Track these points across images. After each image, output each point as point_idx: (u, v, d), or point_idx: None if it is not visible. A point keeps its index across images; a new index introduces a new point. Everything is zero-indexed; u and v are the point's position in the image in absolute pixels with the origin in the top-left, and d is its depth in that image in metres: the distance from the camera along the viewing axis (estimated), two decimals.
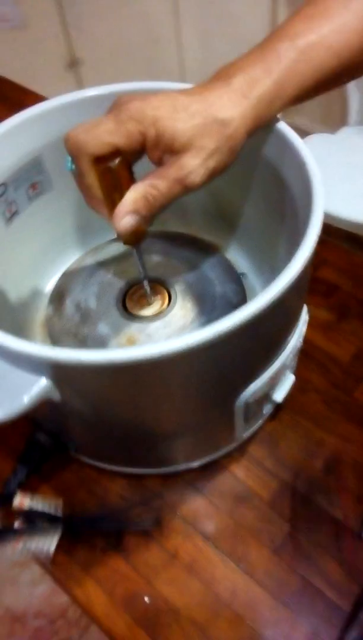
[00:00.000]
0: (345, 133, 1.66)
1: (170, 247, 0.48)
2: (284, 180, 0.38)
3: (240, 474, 0.45)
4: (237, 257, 0.50)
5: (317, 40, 0.34)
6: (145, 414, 0.35)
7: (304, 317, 0.41)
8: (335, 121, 1.74)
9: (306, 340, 0.52)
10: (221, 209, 0.49)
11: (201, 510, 0.44)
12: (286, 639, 0.38)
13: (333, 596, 0.39)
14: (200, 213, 0.50)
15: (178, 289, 0.44)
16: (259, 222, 0.46)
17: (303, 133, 1.57)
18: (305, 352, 0.52)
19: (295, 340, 0.39)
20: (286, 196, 0.38)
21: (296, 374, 0.48)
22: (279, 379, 0.41)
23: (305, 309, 0.41)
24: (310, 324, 0.54)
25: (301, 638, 0.38)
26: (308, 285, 0.39)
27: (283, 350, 0.38)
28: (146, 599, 0.40)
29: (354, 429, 0.47)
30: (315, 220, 0.32)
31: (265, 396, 0.40)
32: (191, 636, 0.38)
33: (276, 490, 0.44)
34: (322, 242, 0.62)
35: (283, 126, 0.37)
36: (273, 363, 0.37)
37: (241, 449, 0.46)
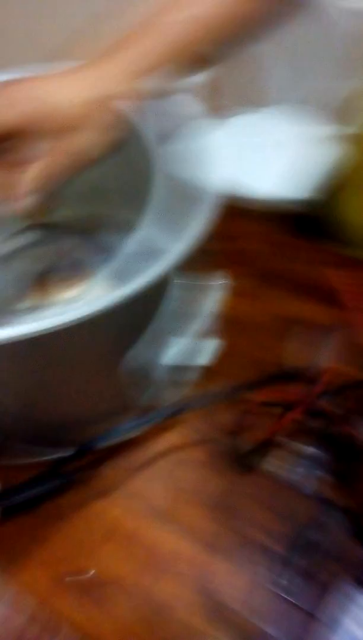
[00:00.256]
0: (265, 113, 1.70)
1: (86, 228, 0.48)
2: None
3: (173, 438, 0.46)
4: (155, 232, 0.51)
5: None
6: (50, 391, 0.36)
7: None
8: (256, 102, 1.78)
9: (228, 307, 0.54)
10: (133, 185, 0.50)
11: (138, 479, 0.45)
12: (230, 588, 0.40)
13: (269, 543, 0.41)
14: (114, 191, 0.51)
15: (96, 270, 0.45)
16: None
17: (224, 114, 1.60)
18: (230, 319, 0.53)
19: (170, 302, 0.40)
20: None
21: (222, 338, 0.50)
22: (187, 352, 0.42)
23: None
24: (231, 292, 0.56)
25: (243, 586, 0.40)
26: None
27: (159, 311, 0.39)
28: (90, 573, 0.41)
29: (281, 386, 0.49)
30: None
31: (176, 369, 0.42)
32: (137, 600, 0.40)
33: (209, 450, 0.46)
34: (241, 215, 0.64)
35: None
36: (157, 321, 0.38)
37: (175, 417, 0.47)
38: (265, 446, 0.45)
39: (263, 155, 1.54)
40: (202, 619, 0.39)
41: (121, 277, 0.30)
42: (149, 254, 0.31)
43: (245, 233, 0.61)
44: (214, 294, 0.42)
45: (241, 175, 1.50)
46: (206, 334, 0.44)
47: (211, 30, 0.36)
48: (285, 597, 0.39)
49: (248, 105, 1.79)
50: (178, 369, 0.43)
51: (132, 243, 0.32)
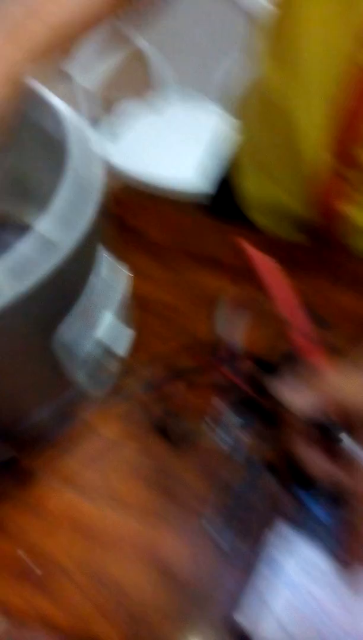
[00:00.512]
0: (153, 98, 1.75)
1: None
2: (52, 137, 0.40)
3: (101, 424, 0.48)
4: (52, 226, 0.52)
5: None
6: None
7: (104, 259, 0.44)
8: (143, 88, 1.81)
9: (141, 293, 0.56)
10: (18, 180, 0.51)
11: (70, 468, 0.46)
12: (175, 556, 0.42)
13: (207, 509, 0.43)
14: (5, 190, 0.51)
15: None
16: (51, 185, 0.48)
17: (115, 105, 1.62)
18: (142, 303, 0.55)
19: (99, 279, 0.41)
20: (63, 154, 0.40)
21: (135, 325, 0.51)
22: (99, 324, 0.43)
23: (102, 253, 0.44)
24: (142, 278, 0.58)
25: (187, 552, 0.42)
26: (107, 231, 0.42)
27: (86, 289, 0.40)
28: (33, 568, 0.41)
29: (202, 362, 0.51)
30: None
31: (101, 350, 0.43)
32: (83, 583, 0.41)
33: (139, 433, 0.47)
34: (144, 205, 0.66)
35: (38, 87, 0.39)
36: (79, 300, 0.39)
37: (104, 406, 0.49)
38: (195, 421, 0.47)
39: (164, 145, 1.57)
40: (150, 589, 0.40)
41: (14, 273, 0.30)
42: (44, 248, 0.32)
43: (148, 217, 0.63)
44: (121, 279, 0.43)
45: (143, 164, 1.53)
46: (121, 319, 0.46)
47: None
48: (226, 556, 0.41)
49: (136, 93, 1.82)
50: (102, 353, 0.45)
51: (28, 239, 0.33)
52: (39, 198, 0.50)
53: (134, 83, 1.95)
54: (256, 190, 0.68)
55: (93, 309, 0.41)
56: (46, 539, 0.42)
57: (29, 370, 0.40)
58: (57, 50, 0.41)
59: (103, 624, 0.39)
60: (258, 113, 0.59)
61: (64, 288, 0.37)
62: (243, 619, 0.37)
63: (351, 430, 0.34)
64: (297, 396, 0.34)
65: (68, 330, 0.39)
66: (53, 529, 0.43)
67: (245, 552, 0.41)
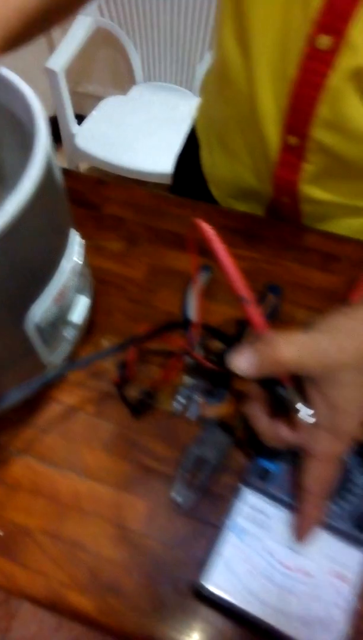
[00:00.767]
0: (135, 92, 1.73)
1: None
2: (18, 119, 0.41)
3: (64, 397, 0.49)
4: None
5: None
6: None
7: (76, 241, 0.45)
8: (124, 82, 1.80)
9: (103, 269, 0.58)
10: None
11: (34, 439, 0.47)
12: (134, 515, 0.43)
13: (164, 468, 0.45)
14: None
15: None
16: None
17: (96, 99, 1.62)
18: (102, 280, 0.56)
19: (70, 261, 0.43)
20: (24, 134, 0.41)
21: (95, 299, 0.52)
22: (67, 302, 0.45)
23: (74, 234, 0.45)
24: (104, 256, 0.59)
25: (145, 511, 0.44)
26: (69, 210, 0.43)
27: (58, 271, 0.42)
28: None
29: (159, 331, 0.53)
30: (40, 141, 0.36)
31: (59, 320, 0.44)
32: (46, 545, 0.42)
33: (98, 401, 0.49)
34: (103, 182, 0.67)
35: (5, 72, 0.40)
36: (50, 284, 0.41)
37: (61, 377, 0.50)
38: (150, 388, 0.49)
39: (131, 128, 1.57)
40: (111, 547, 0.42)
41: None
42: None
43: (111, 195, 0.64)
44: (73, 249, 0.44)
45: (109, 147, 1.52)
46: (83, 292, 0.47)
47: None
48: (182, 512, 0.43)
49: (118, 87, 1.81)
50: (63, 324, 0.46)
51: None
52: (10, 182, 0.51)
53: (104, 67, 1.94)
54: (216, 166, 0.69)
55: (64, 289, 0.43)
56: (8, 503, 0.44)
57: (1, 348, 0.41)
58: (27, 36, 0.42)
59: (65, 580, 0.41)
60: (219, 90, 0.61)
61: (28, 264, 0.38)
62: (202, 577, 0.39)
63: (294, 387, 0.36)
64: (241, 358, 0.36)
65: (40, 310, 0.40)
66: (14, 493, 0.44)
67: (200, 506, 0.43)
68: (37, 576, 0.41)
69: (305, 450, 0.38)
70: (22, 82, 0.39)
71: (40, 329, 0.42)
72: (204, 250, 0.36)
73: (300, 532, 0.40)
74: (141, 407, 0.48)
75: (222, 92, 0.59)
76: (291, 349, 0.34)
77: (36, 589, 0.41)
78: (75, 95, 1.63)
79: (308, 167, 0.54)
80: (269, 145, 0.55)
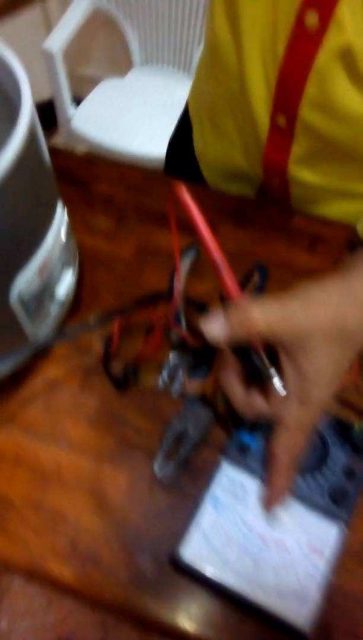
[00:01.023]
0: (133, 75, 1.71)
1: None
2: (4, 91, 0.41)
3: (50, 371, 0.50)
4: None
5: None
6: None
7: (62, 215, 0.45)
8: (122, 66, 1.79)
9: (91, 247, 0.58)
10: None
11: (18, 411, 0.47)
12: (114, 486, 0.44)
13: (144, 442, 0.46)
14: None
15: None
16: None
17: (93, 82, 1.61)
18: (90, 258, 0.57)
19: (55, 234, 0.43)
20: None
21: (82, 276, 0.53)
22: (52, 276, 0.45)
23: (60, 207, 0.45)
24: (92, 233, 0.59)
25: (125, 483, 0.44)
26: (55, 183, 0.44)
27: (42, 243, 0.42)
28: None
29: (144, 308, 0.53)
30: (25, 109, 0.36)
31: (44, 294, 0.45)
32: (27, 514, 0.43)
33: (83, 376, 0.49)
34: (93, 161, 0.67)
35: None
36: (34, 256, 0.41)
37: (47, 352, 0.50)
38: (134, 363, 0.49)
39: (128, 112, 1.56)
40: (92, 519, 0.43)
41: None
42: None
43: (103, 175, 0.64)
44: (57, 222, 0.44)
45: (104, 129, 1.51)
46: (64, 266, 0.47)
47: None
48: (163, 486, 0.44)
49: (115, 70, 1.79)
50: (50, 299, 0.46)
51: None
52: None
53: (102, 49, 1.92)
54: (207, 147, 0.69)
55: (49, 263, 0.43)
56: None
57: None
58: None
59: (45, 549, 0.42)
60: (210, 69, 0.60)
61: (11, 233, 0.38)
62: (179, 545, 0.40)
63: (266, 356, 0.37)
64: (212, 323, 0.36)
65: (24, 282, 0.40)
66: (2, 469, 0.45)
67: (179, 478, 0.44)
68: (17, 544, 0.42)
69: (276, 420, 0.38)
70: (7, 51, 0.39)
71: (24, 301, 0.42)
72: (191, 229, 0.36)
73: (268, 502, 0.40)
74: (124, 382, 0.48)
75: (213, 71, 0.59)
76: (262, 313, 0.34)
77: (16, 556, 0.41)
78: (73, 77, 1.61)
79: (297, 149, 0.55)
80: (258, 126, 0.55)
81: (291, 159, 0.56)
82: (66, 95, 1.56)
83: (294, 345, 0.35)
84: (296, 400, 0.36)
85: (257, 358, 0.37)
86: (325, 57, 0.45)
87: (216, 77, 0.59)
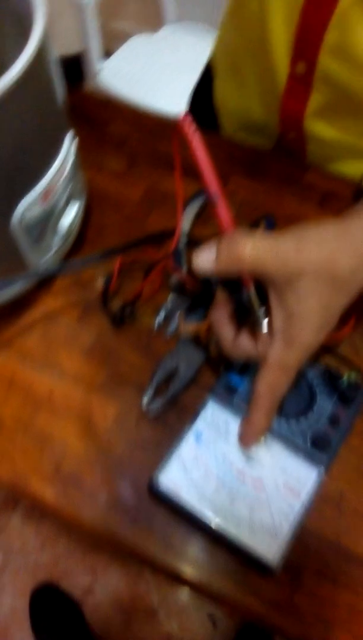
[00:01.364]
0: (164, 32, 1.68)
1: None
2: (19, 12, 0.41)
3: (49, 302, 0.50)
4: None
5: None
6: None
7: (69, 144, 0.45)
8: (155, 21, 1.74)
9: (100, 187, 0.58)
10: None
11: (16, 338, 0.48)
12: (102, 415, 0.45)
13: (136, 377, 0.46)
14: None
15: None
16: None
17: (124, 36, 1.57)
18: (99, 197, 0.57)
19: (61, 161, 0.43)
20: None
21: (89, 214, 0.53)
22: (56, 204, 0.45)
23: (70, 137, 0.45)
24: (103, 174, 0.59)
25: (114, 412, 0.45)
26: (64, 111, 0.43)
27: (47, 169, 0.42)
28: None
29: (147, 248, 0.53)
30: (38, 22, 0.35)
31: (47, 223, 0.45)
32: (16, 434, 0.44)
33: (82, 309, 0.50)
34: (110, 103, 0.66)
35: None
36: (38, 181, 0.41)
37: (48, 284, 0.51)
38: (132, 302, 0.49)
39: (156, 69, 1.53)
40: (78, 444, 0.44)
41: None
42: None
43: (117, 118, 0.63)
44: (65, 151, 0.44)
45: (130, 85, 1.49)
46: (69, 197, 0.47)
47: None
48: (149, 419, 0.45)
49: (147, 25, 1.75)
50: (54, 229, 0.46)
51: None
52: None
53: (136, 3, 1.87)
54: (227, 97, 0.68)
55: (53, 191, 0.43)
56: None
57: None
58: None
59: (30, 468, 0.43)
60: (234, 15, 0.59)
61: (17, 152, 0.38)
62: (158, 473, 0.41)
63: (255, 293, 0.36)
64: (202, 254, 0.35)
65: (27, 207, 0.41)
66: None
67: (166, 414, 0.45)
68: (3, 460, 0.43)
69: (261, 360, 0.38)
70: None
71: (25, 226, 0.42)
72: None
73: (245, 438, 0.40)
74: (121, 320, 0.49)
75: (235, 17, 0.58)
76: (253, 247, 0.34)
77: (2, 473, 0.43)
78: (104, 31, 1.58)
79: (315, 98, 0.53)
80: (277, 74, 0.54)
81: (308, 110, 0.55)
82: (96, 48, 1.54)
83: (283, 283, 0.34)
84: (282, 341, 0.36)
85: (246, 295, 0.36)
86: (347, 1, 0.43)
87: (238, 24, 0.58)
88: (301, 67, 0.51)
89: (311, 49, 0.49)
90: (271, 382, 0.37)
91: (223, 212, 0.35)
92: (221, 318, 0.39)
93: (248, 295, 0.36)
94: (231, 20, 0.60)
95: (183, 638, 1.13)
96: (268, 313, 0.36)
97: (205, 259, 0.35)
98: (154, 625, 1.13)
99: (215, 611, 1.16)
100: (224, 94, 0.68)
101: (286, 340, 0.36)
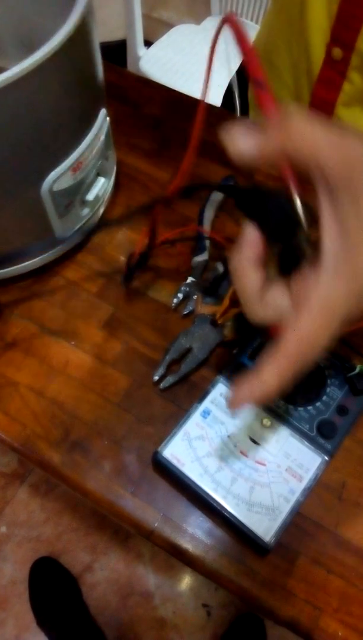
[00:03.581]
0: (208, 23, 1.68)
1: None
2: None
3: (71, 275, 0.51)
4: None
5: None
6: None
7: (102, 120, 0.46)
8: (200, 12, 1.74)
9: (131, 166, 0.58)
10: (30, 36, 0.52)
11: (36, 306, 0.49)
12: (115, 387, 0.46)
13: (150, 352, 0.47)
14: (13, 45, 0.53)
15: None
16: None
17: (168, 25, 1.58)
18: (128, 175, 0.57)
19: (93, 135, 0.44)
20: None
21: (118, 191, 0.54)
22: (85, 177, 0.46)
23: (103, 114, 0.46)
24: (134, 154, 0.60)
25: (126, 385, 0.46)
26: (102, 86, 0.44)
27: (80, 141, 0.43)
28: None
29: (168, 230, 0.54)
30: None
31: (75, 192, 0.46)
32: (29, 399, 0.45)
33: (102, 284, 0.51)
34: (147, 83, 0.67)
35: None
36: (70, 153, 0.42)
37: (71, 257, 0.52)
38: (153, 275, 0.50)
39: (198, 64, 1.53)
40: (88, 412, 0.45)
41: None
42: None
43: (154, 100, 0.64)
44: (98, 126, 0.45)
45: (169, 74, 1.49)
46: (99, 173, 0.48)
47: None
48: (160, 395, 0.45)
49: (192, 16, 1.75)
50: (80, 203, 0.47)
51: None
52: None
53: (190, 6, 1.87)
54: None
55: (83, 164, 0.44)
56: (1, 357, 0.47)
57: (16, 208, 0.43)
58: None
59: (39, 432, 0.44)
60: (277, 9, 0.59)
61: (52, 122, 0.39)
62: (163, 445, 0.41)
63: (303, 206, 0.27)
64: (240, 134, 0.27)
65: (57, 178, 0.42)
66: (9, 350, 0.47)
67: (176, 391, 0.45)
68: (15, 423, 0.44)
69: (298, 305, 0.27)
70: None
71: (54, 195, 0.43)
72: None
73: (241, 395, 0.29)
74: (138, 292, 0.49)
75: (280, 13, 0.58)
76: (308, 127, 0.25)
77: (12, 433, 0.44)
78: (148, 20, 1.59)
79: (348, 87, 0.53)
80: (312, 58, 0.53)
81: (341, 99, 0.55)
82: (139, 36, 1.55)
83: (342, 184, 0.24)
84: (330, 268, 0.25)
85: (284, 201, 0.27)
86: None
87: (278, 6, 0.58)
88: (337, 52, 0.51)
89: (350, 33, 0.48)
90: (305, 328, 0.26)
91: (267, 98, 0.28)
92: (246, 262, 0.29)
93: (288, 199, 0.27)
94: (274, 4, 0.60)
95: (177, 624, 1.14)
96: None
97: (244, 139, 0.26)
98: (149, 609, 1.15)
99: (211, 601, 1.16)
100: None
101: (336, 269, 0.25)
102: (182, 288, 0.50)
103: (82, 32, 0.37)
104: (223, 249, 0.52)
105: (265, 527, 0.38)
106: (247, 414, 0.42)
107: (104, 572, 1.18)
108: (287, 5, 0.54)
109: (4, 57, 0.55)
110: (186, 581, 1.18)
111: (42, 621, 1.12)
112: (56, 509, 1.24)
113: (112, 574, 1.18)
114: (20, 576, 1.17)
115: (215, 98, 1.41)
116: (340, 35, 0.49)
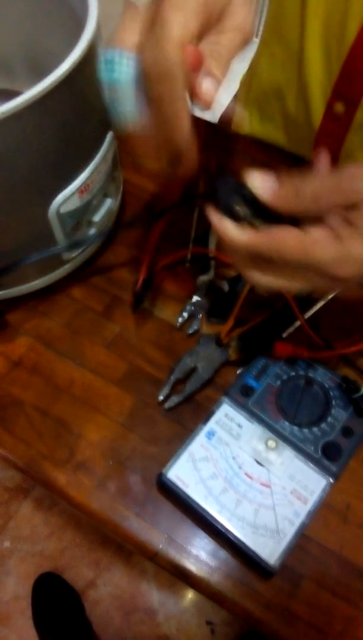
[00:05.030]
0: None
1: None
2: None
3: (77, 294, 0.52)
4: None
5: None
6: None
7: (109, 143, 0.47)
8: None
9: (138, 185, 0.59)
10: (38, 58, 0.53)
11: (42, 325, 0.50)
12: (118, 407, 0.46)
13: (154, 372, 0.47)
14: (23, 67, 0.54)
15: None
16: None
17: None
18: (135, 195, 0.58)
19: (100, 158, 0.45)
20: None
21: (124, 211, 0.54)
22: (92, 199, 0.46)
23: (111, 136, 0.47)
24: (142, 173, 0.60)
25: (130, 405, 0.46)
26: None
27: (87, 165, 0.43)
28: None
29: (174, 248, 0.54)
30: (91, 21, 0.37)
31: (82, 213, 0.46)
32: (35, 418, 0.45)
33: (108, 303, 0.51)
34: None
35: None
36: (77, 175, 0.43)
37: (78, 276, 0.52)
38: (159, 297, 0.51)
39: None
40: (93, 432, 0.45)
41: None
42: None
43: None
44: (104, 149, 0.46)
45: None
46: (106, 194, 0.49)
47: None
48: (164, 415, 0.45)
49: None
50: (87, 223, 0.48)
51: None
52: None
53: None
54: (253, 127, 0.67)
55: (90, 187, 0.45)
56: (7, 376, 0.47)
57: (24, 229, 0.44)
58: None
59: (44, 452, 0.44)
60: (269, 43, 0.57)
61: (61, 145, 0.39)
62: (168, 467, 0.41)
63: None
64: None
65: (64, 200, 0.42)
66: (15, 369, 0.47)
67: (181, 411, 0.46)
68: (20, 443, 0.44)
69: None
70: None
71: (61, 217, 0.44)
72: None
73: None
74: (145, 312, 0.50)
75: (271, 44, 0.56)
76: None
77: (17, 453, 0.44)
78: None
79: (353, 138, 0.52)
80: (312, 112, 0.53)
81: (345, 148, 0.54)
82: None
83: None
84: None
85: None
86: None
87: (272, 53, 0.55)
88: (340, 107, 0.50)
89: (354, 89, 0.48)
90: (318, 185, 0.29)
91: None
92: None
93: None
94: (266, 48, 0.58)
95: None
96: None
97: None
98: (152, 626, 1.14)
99: (215, 619, 1.15)
100: (250, 125, 0.66)
101: None
102: (187, 307, 0.50)
103: (90, 57, 0.38)
104: (227, 267, 0.52)
105: (270, 550, 0.38)
106: (252, 435, 0.42)
107: (107, 588, 1.18)
108: (283, 54, 0.53)
109: (13, 78, 0.56)
110: (189, 598, 1.17)
111: (45, 638, 1.11)
112: (59, 523, 1.23)
113: (116, 590, 1.18)
114: (23, 592, 1.16)
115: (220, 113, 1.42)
116: (343, 91, 0.49)
